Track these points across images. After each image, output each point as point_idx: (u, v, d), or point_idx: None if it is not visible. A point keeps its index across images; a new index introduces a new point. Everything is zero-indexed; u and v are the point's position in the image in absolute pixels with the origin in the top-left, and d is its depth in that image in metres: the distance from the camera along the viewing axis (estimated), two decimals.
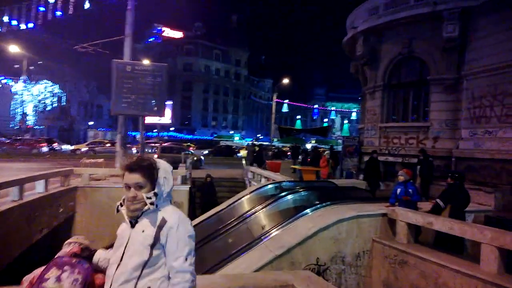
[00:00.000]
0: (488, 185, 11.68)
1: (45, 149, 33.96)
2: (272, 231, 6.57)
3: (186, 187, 13.13)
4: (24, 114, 51.13)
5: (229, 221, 8.64)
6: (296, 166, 14.61)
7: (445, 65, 14.61)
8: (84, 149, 35.19)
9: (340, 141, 58.39)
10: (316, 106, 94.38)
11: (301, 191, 8.29)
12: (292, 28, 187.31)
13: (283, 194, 8.24)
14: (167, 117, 54.79)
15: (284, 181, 10.33)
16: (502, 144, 12.21)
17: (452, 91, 14.52)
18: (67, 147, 38.22)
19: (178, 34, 74.39)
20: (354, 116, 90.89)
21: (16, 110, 52.69)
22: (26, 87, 50.82)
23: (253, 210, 8.40)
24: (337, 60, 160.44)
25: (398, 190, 6.55)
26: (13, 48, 31.09)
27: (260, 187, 10.30)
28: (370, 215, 5.89)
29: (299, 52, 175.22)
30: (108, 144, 35.70)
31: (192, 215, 13.01)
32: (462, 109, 14.08)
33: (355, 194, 8.55)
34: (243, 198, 10.05)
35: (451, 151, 14.04)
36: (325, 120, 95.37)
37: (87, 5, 20.99)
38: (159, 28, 76.29)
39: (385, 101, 17.23)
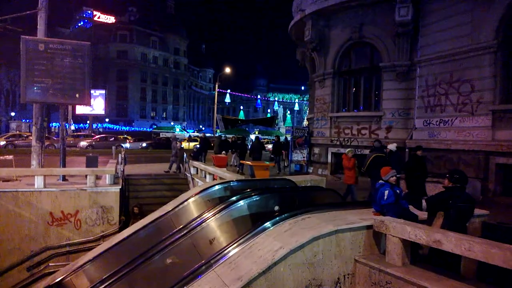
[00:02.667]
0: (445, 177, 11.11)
1: None
2: (225, 251, 5.06)
3: (116, 188, 11.14)
4: None
5: (170, 233, 6.98)
6: (247, 162, 13.16)
7: (397, 51, 13.96)
8: (2, 142, 30.96)
9: (284, 131, 58.23)
10: (258, 96, 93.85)
11: (256, 194, 6.85)
12: (232, 17, 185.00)
13: (234, 198, 6.73)
14: (100, 108, 51.00)
15: (234, 180, 8.84)
16: (459, 134, 11.73)
17: (405, 79, 13.92)
18: None
19: (110, 19, 69.24)
20: (296, 107, 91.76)
21: None
22: None
23: (199, 219, 6.82)
24: (279, 51, 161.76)
25: (386, 193, 5.11)
26: None
27: (207, 188, 8.71)
28: (352, 229, 4.61)
29: (240, 42, 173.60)
30: (31, 137, 31.76)
31: (124, 222, 11.11)
32: (415, 97, 13.50)
33: (324, 198, 7.28)
34: (186, 202, 8.41)
35: (405, 142, 13.46)
36: (268, 111, 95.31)
37: None
38: (89, 11, 70.52)
39: (335, 90, 16.35)
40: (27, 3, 14.34)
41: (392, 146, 10.77)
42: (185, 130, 63.62)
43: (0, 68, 49.69)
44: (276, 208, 6.48)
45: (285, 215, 5.23)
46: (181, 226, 6.98)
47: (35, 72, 11.77)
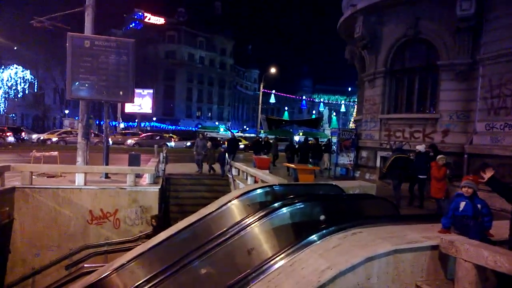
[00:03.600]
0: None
1: (11, 138, 31.11)
2: (264, 266, 4.56)
3: (155, 188, 10.95)
4: None
5: (206, 240, 6.57)
6: (291, 165, 12.55)
7: (457, 49, 12.77)
8: (54, 139, 32.37)
9: (329, 133, 56.89)
10: (304, 97, 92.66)
11: (300, 201, 6.28)
12: (278, 18, 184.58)
13: (276, 205, 6.21)
14: (147, 106, 52.36)
15: (277, 184, 8.31)
16: None
17: (465, 78, 12.72)
18: (36, 136, 35.11)
19: (160, 20, 71.21)
20: (343, 108, 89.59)
21: None
22: None
23: (237, 226, 6.35)
24: (326, 52, 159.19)
25: (462, 205, 4.27)
26: None
27: (247, 192, 8.23)
28: (413, 249, 3.93)
29: (286, 43, 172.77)
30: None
31: (163, 222, 10.89)
32: (477, 99, 12.28)
33: (375, 208, 6.54)
34: (225, 206, 7.97)
35: (463, 147, 12.27)
36: (313, 112, 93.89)
37: None
38: (140, 13, 72.97)
39: (386, 90, 15.34)
40: (75, 1, 14.61)
41: (421, 147, 10.63)
42: (229, 130, 64.02)
43: (55, 67, 52.22)
44: (322, 217, 5.88)
45: (333, 228, 4.62)
46: (218, 233, 6.55)
47: (80, 69, 11.90)
